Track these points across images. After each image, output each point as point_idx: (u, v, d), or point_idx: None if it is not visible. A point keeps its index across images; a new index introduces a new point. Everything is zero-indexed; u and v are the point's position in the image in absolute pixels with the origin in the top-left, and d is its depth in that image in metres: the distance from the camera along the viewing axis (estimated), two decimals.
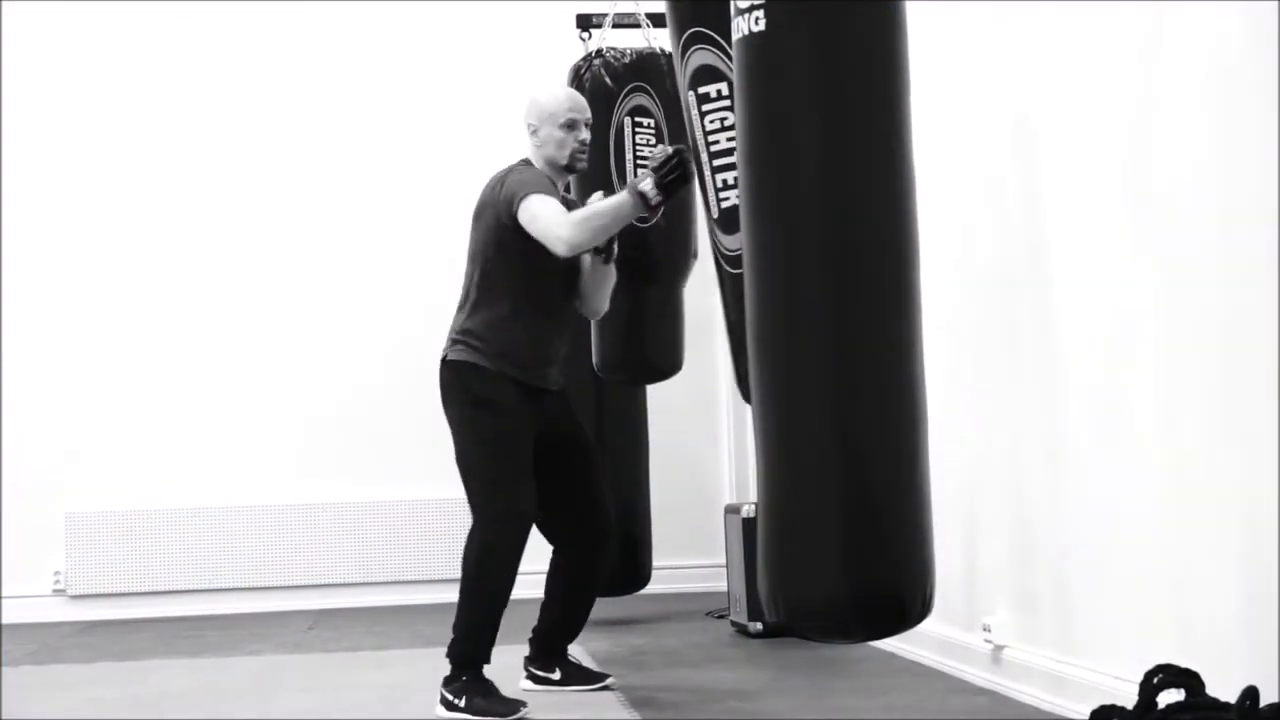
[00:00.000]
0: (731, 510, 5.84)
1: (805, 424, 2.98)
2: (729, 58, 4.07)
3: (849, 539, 2.95)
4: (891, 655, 4.99)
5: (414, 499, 7.20)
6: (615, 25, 5.73)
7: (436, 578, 6.94)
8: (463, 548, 4.39)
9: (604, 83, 5.45)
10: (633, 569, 6.10)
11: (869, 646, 4.98)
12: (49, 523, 7.07)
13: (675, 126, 5.02)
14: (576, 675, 4.71)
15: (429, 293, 6.30)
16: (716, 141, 4.45)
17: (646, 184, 4.14)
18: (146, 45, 7.34)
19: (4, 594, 7.01)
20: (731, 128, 4.08)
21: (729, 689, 4.69)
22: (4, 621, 6.87)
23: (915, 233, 3.07)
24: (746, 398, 4.39)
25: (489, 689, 4.33)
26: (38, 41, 7.27)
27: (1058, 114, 3.97)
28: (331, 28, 7.40)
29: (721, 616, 6.09)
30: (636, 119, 5.44)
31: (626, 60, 5.50)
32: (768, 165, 3.02)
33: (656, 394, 6.20)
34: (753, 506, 5.43)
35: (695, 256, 5.49)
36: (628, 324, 5.39)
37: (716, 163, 4.47)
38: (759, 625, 5.54)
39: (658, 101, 5.47)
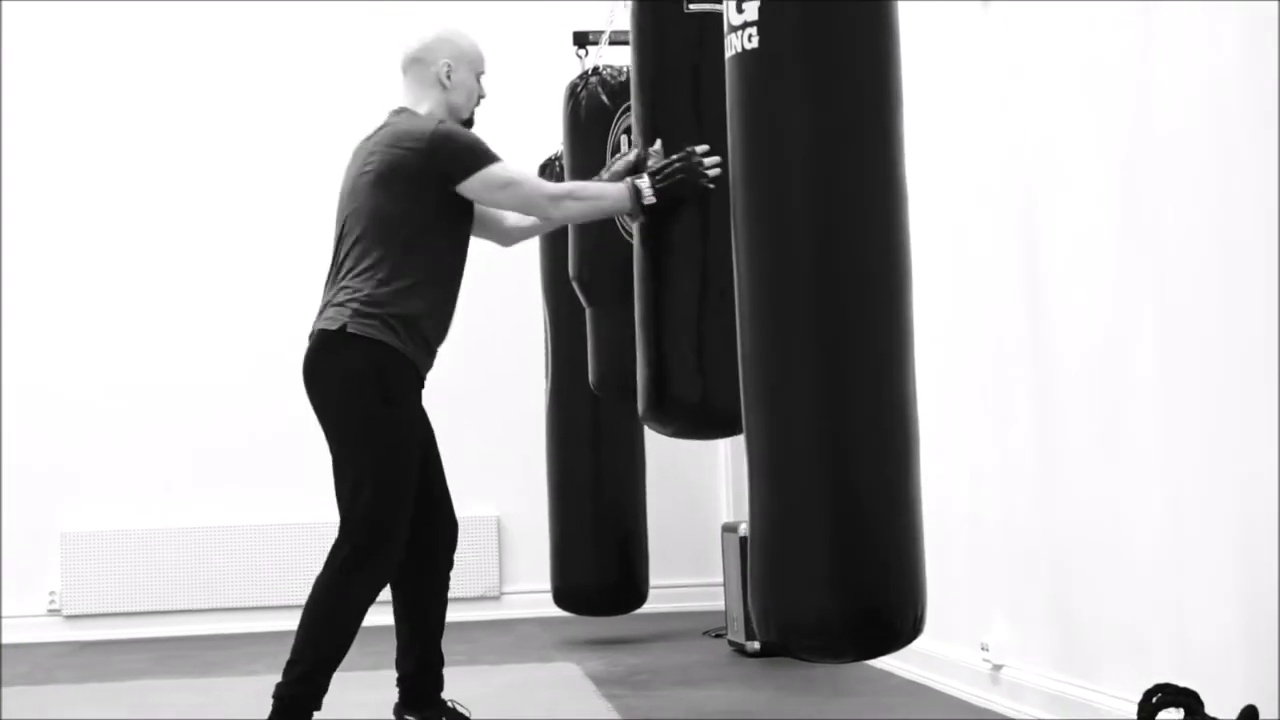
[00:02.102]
0: (729, 529, 5.83)
1: (796, 442, 2.97)
2: None
3: (840, 558, 2.94)
4: (889, 674, 4.98)
5: None
6: (612, 43, 5.73)
7: None
8: (324, 568, 3.82)
9: (600, 100, 5.45)
10: (630, 588, 6.09)
11: (866, 665, 4.96)
12: (44, 543, 7.06)
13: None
14: None
15: None
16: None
17: (644, 181, 3.86)
18: (146, 46, 7.35)
19: None
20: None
21: (726, 708, 4.67)
22: None
23: (908, 250, 3.07)
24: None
25: None
26: (38, 41, 7.28)
27: (1052, 129, 3.97)
28: (326, 44, 7.41)
29: (719, 635, 6.07)
30: (632, 137, 5.42)
31: (623, 79, 5.49)
32: (759, 183, 3.02)
33: None
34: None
35: None
36: (623, 342, 5.38)
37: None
38: (756, 644, 5.52)
39: None
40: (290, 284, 7.34)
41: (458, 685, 4.19)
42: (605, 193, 3.93)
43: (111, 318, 7.26)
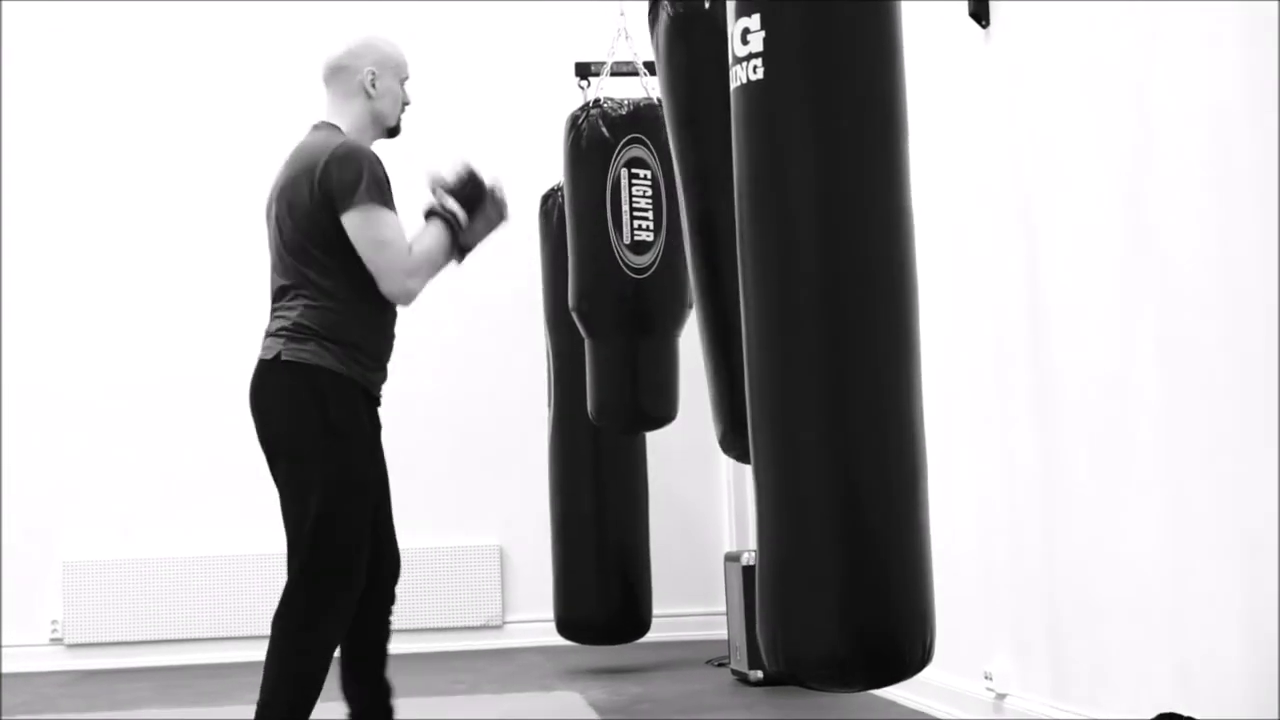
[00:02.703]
0: (731, 558, 5.83)
1: (805, 471, 2.98)
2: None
3: (848, 588, 2.94)
4: (892, 703, 4.97)
5: (409, 549, 7.16)
6: (614, 74, 5.75)
7: (431, 626, 6.93)
8: (280, 609, 3.70)
9: (601, 133, 5.47)
10: (632, 617, 6.09)
11: (870, 695, 4.96)
12: (46, 571, 7.06)
13: (671, 179, 5.01)
14: None
15: (431, 345, 6.31)
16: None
17: (453, 204, 3.82)
18: (148, 49, 7.37)
19: (0, 643, 6.99)
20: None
21: None
22: (0, 670, 6.84)
23: (915, 279, 3.08)
24: (730, 453, 4.37)
25: None
26: (38, 41, 7.30)
27: (1052, 138, 3.98)
28: (324, 49, 7.40)
29: (722, 664, 6.07)
30: (633, 170, 5.44)
31: (624, 111, 5.52)
32: (766, 215, 3.02)
33: (655, 441, 6.20)
34: (752, 554, 5.42)
35: (689, 306, 5.50)
36: (623, 372, 5.40)
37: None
38: (759, 673, 5.52)
39: (654, 153, 5.48)
40: None
41: (459, 714, 4.18)
42: (440, 240, 3.82)
43: (114, 346, 7.26)
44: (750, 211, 3.05)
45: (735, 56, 3.07)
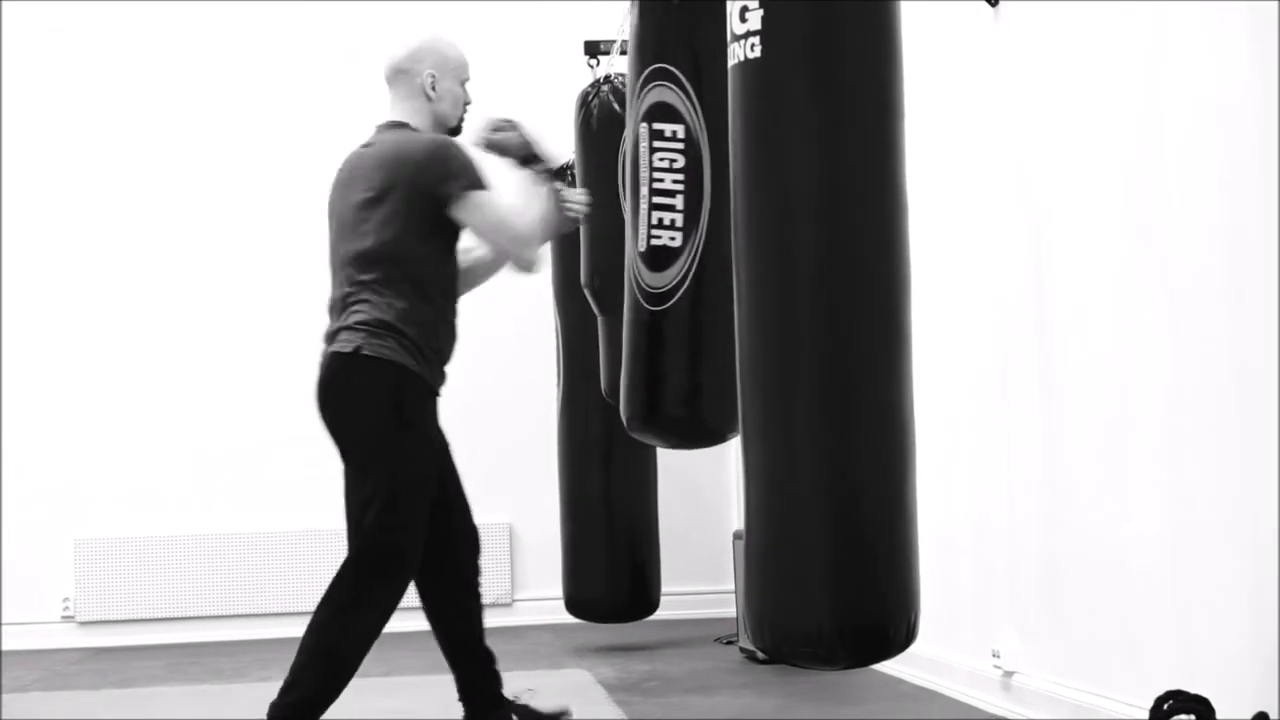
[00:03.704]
0: (740, 536, 5.84)
1: (791, 452, 2.98)
2: (690, 100, 4.10)
3: (834, 567, 2.94)
4: (898, 680, 4.98)
5: None
6: (623, 52, 5.74)
7: None
8: (330, 592, 3.75)
9: (612, 109, 5.46)
10: (641, 595, 6.10)
11: (875, 672, 4.97)
12: (58, 549, 7.09)
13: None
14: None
15: None
16: (661, 180, 4.15)
17: (534, 161, 3.95)
18: (149, 49, 7.38)
19: (13, 620, 7.02)
20: (680, 170, 4.08)
21: (737, 715, 4.68)
22: (13, 648, 6.88)
23: (909, 258, 3.07)
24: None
25: None
26: (38, 41, 7.30)
27: (1059, 146, 3.98)
28: (332, 45, 7.42)
29: (730, 642, 6.08)
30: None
31: None
32: (763, 195, 3.01)
33: None
34: None
35: None
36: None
37: (656, 200, 4.17)
38: None
39: None
40: (300, 290, 7.36)
41: None
42: (538, 206, 3.94)
43: (123, 326, 7.28)
44: (745, 189, 3.04)
45: (733, 34, 3.06)
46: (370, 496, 3.75)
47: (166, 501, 7.19)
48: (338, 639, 3.74)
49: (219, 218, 7.36)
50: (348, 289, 3.85)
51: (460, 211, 3.82)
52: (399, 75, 4.00)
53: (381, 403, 3.77)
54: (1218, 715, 3.03)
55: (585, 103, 5.56)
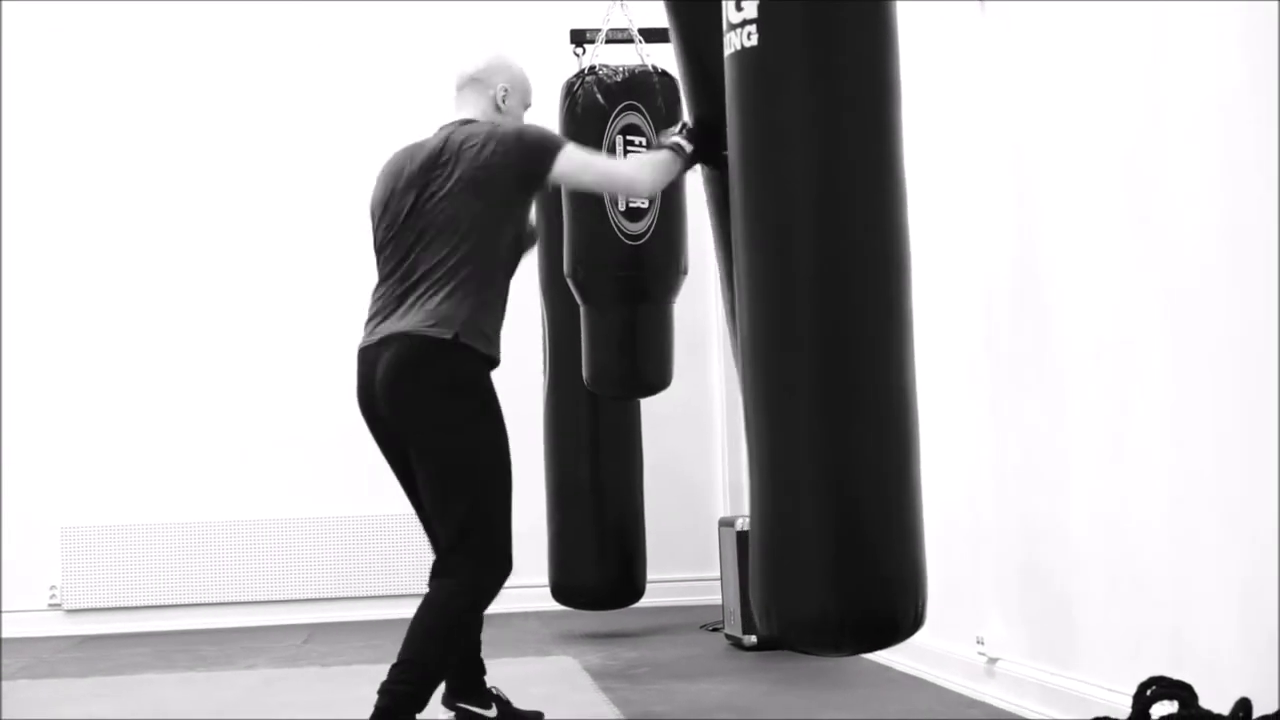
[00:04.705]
0: (725, 523, 5.86)
1: (798, 439, 2.99)
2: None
3: (841, 553, 2.96)
4: (885, 668, 5.01)
5: (408, 513, 7.17)
6: (609, 41, 5.75)
7: (425, 591, 6.94)
8: (438, 585, 3.81)
9: (596, 100, 5.47)
10: (627, 582, 6.12)
11: (863, 659, 5.00)
12: (45, 537, 7.09)
13: None
14: (511, 714, 4.20)
15: None
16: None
17: (680, 138, 3.89)
18: (150, 48, 7.37)
19: (0, 608, 7.02)
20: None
21: (723, 702, 4.70)
22: (0, 635, 6.88)
23: (908, 245, 3.08)
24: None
25: None
26: (38, 41, 7.29)
27: (1057, 132, 3.99)
28: (334, 45, 7.42)
29: (716, 629, 6.10)
30: (629, 137, 5.45)
31: (619, 78, 5.51)
32: (762, 181, 3.03)
33: (650, 407, 6.21)
34: (747, 520, 5.45)
35: (685, 272, 5.51)
36: (618, 339, 5.41)
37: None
38: (753, 638, 5.55)
39: (649, 120, 5.48)
40: (289, 280, 7.37)
41: None
42: (668, 159, 3.91)
43: (112, 314, 7.28)
44: (744, 177, 3.06)
45: (729, 23, 3.07)
46: (457, 489, 3.78)
47: (153, 489, 7.20)
48: (450, 628, 3.79)
49: (207, 205, 7.36)
50: (424, 276, 3.85)
51: (560, 168, 3.86)
52: (473, 84, 4.09)
53: (467, 389, 3.80)
54: (1203, 702, 3.04)
55: (570, 92, 5.56)
